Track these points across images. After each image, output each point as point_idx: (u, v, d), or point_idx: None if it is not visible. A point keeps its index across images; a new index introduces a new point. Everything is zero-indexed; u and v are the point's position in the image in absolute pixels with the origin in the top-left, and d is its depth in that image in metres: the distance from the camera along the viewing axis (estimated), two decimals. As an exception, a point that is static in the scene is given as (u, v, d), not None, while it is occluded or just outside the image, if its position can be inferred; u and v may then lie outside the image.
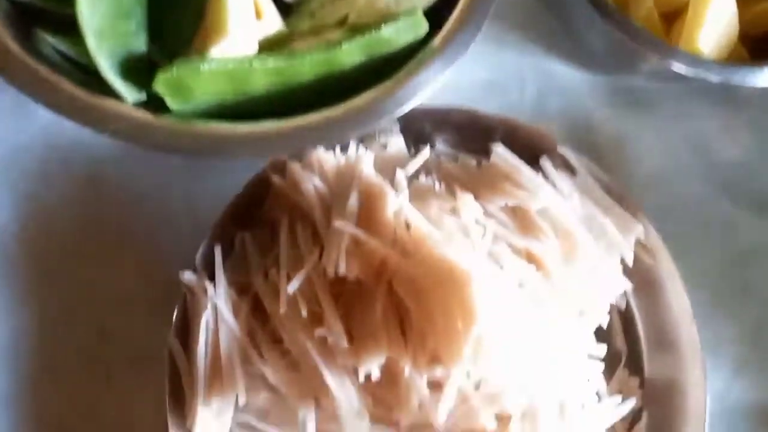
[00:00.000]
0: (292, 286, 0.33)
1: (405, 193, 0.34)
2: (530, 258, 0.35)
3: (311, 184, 0.36)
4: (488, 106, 0.40)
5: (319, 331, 0.32)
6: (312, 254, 0.34)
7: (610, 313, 0.39)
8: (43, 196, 0.41)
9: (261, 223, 0.38)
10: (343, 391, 0.32)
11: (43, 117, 0.41)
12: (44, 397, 0.39)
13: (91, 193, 0.41)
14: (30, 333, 0.39)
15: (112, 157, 0.41)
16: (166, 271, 0.37)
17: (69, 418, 0.38)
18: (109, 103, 0.32)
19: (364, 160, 0.36)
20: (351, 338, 0.33)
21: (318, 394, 0.33)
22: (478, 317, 0.30)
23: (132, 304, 0.39)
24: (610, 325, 0.40)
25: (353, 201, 0.33)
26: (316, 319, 0.33)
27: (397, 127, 0.41)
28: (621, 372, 0.41)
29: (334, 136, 0.33)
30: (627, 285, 0.39)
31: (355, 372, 0.32)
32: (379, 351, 0.32)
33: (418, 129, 0.41)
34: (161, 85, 0.31)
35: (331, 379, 0.32)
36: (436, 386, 0.33)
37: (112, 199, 0.41)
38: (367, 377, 0.32)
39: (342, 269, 0.32)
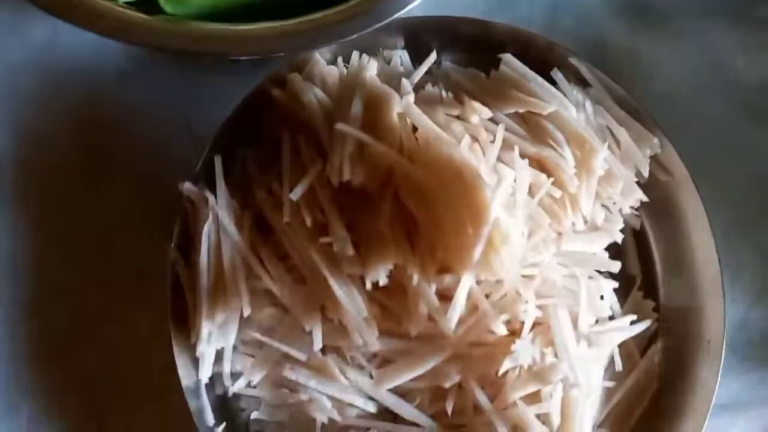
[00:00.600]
0: (295, 194, 0.32)
1: (411, 96, 0.33)
2: (542, 166, 0.34)
3: (312, 94, 0.35)
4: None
5: (324, 240, 0.31)
6: (315, 164, 0.33)
7: (624, 234, 0.38)
8: (39, 119, 0.40)
9: (262, 141, 0.37)
10: (350, 300, 0.31)
11: (36, 38, 0.40)
12: (47, 319, 0.38)
13: (88, 114, 0.40)
14: (31, 256, 0.39)
15: (108, 78, 0.40)
16: (167, 190, 0.35)
17: (73, 339, 0.38)
18: (100, 2, 0.30)
19: (368, 66, 0.34)
20: (357, 248, 0.32)
21: (324, 304, 0.32)
22: (489, 219, 0.29)
23: (133, 224, 0.39)
24: (624, 247, 0.38)
25: (357, 106, 0.32)
26: (321, 229, 0.32)
27: (401, 43, 0.40)
28: (636, 294, 0.39)
29: (333, 36, 0.32)
30: (642, 197, 0.37)
31: (362, 281, 0.31)
32: (386, 258, 0.31)
33: (424, 45, 0.40)
34: (153, -18, 0.30)
35: (337, 287, 0.31)
36: (445, 297, 0.32)
37: (110, 120, 0.40)
38: (375, 286, 0.31)
39: (346, 175, 0.31)
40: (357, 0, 0.33)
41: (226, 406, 0.35)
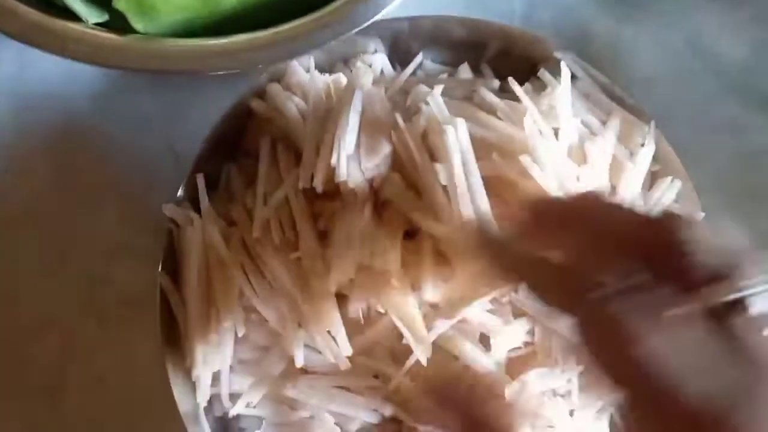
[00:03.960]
0: (261, 210, 0.31)
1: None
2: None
3: (292, 104, 0.34)
4: (476, 20, 0.38)
5: (294, 255, 0.31)
6: (291, 175, 0.32)
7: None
8: (16, 147, 0.39)
9: (246, 154, 0.37)
10: (319, 317, 0.30)
11: (6, 66, 0.39)
12: (41, 346, 0.37)
13: (67, 140, 0.39)
14: (18, 286, 0.38)
15: (85, 101, 0.39)
16: (153, 212, 0.34)
17: (68, 365, 0.37)
18: (69, 25, 0.30)
19: (364, 74, 0.34)
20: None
21: (299, 320, 0.31)
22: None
23: (121, 249, 0.38)
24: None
25: (355, 115, 0.31)
26: (294, 243, 0.32)
27: (381, 47, 0.39)
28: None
29: (310, 44, 0.31)
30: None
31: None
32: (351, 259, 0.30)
33: (404, 48, 0.39)
34: (123, 0, 0.29)
35: (305, 304, 0.30)
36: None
37: (90, 145, 0.39)
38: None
39: (317, 181, 0.31)
40: (332, 7, 0.32)
41: (227, 428, 0.35)
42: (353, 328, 0.32)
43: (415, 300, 0.31)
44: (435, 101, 0.33)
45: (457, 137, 0.31)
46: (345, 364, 0.31)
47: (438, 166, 0.31)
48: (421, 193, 0.32)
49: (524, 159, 0.31)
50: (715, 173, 0.42)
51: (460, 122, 0.31)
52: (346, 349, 0.30)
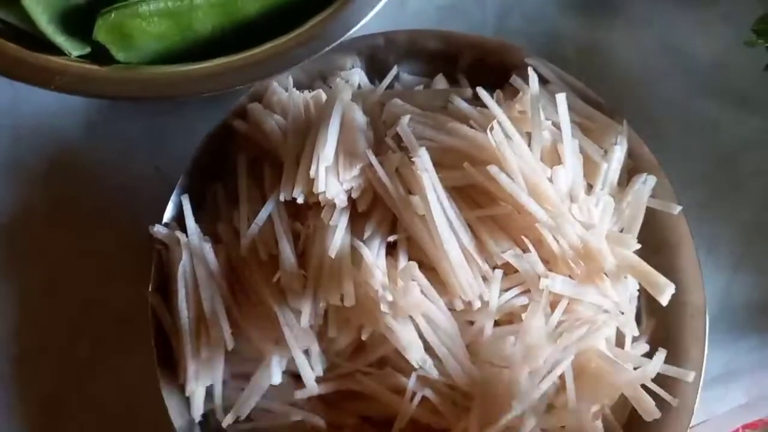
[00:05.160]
0: (247, 229, 0.32)
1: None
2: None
3: (273, 122, 0.35)
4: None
5: (276, 276, 0.32)
6: (274, 193, 0.33)
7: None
8: (10, 178, 0.40)
9: (232, 174, 0.38)
10: (295, 334, 0.31)
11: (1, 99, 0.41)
12: (35, 373, 0.38)
13: (58, 169, 0.40)
14: (13, 312, 0.39)
15: (76, 131, 0.40)
16: (143, 235, 0.36)
17: (62, 391, 0.38)
18: (54, 59, 0.31)
19: (343, 89, 0.35)
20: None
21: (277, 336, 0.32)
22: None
23: (113, 272, 0.39)
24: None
25: (334, 129, 0.32)
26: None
27: (359, 63, 0.40)
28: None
29: (288, 62, 0.32)
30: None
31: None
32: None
33: (381, 62, 0.40)
34: (102, 33, 0.30)
35: (283, 322, 0.31)
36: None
37: (81, 173, 0.40)
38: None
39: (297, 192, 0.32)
40: (308, 25, 0.33)
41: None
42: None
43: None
44: (403, 130, 0.33)
45: (424, 165, 0.32)
46: (313, 388, 0.32)
47: (414, 198, 0.32)
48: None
49: (491, 169, 0.32)
50: (696, 170, 0.43)
51: (422, 152, 0.32)
52: (318, 370, 0.32)
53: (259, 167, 0.36)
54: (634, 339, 0.38)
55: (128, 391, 0.37)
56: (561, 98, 0.35)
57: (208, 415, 0.35)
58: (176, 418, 0.33)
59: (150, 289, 0.33)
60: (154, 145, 0.40)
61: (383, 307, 0.31)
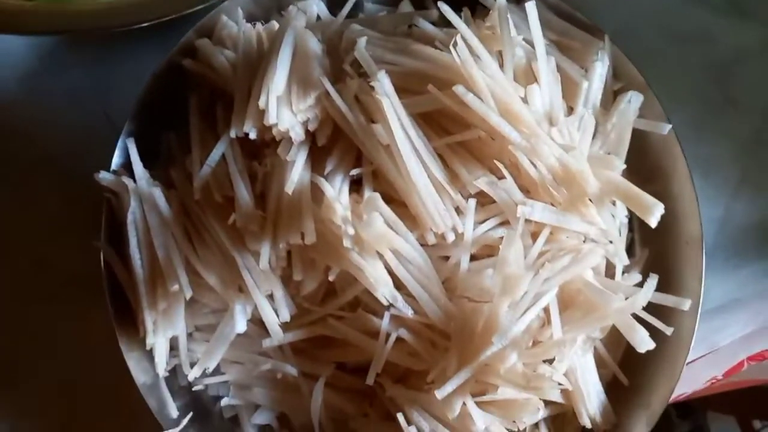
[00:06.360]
0: (199, 171, 0.30)
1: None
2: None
3: (223, 57, 0.33)
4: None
5: (231, 219, 0.30)
6: (226, 131, 0.31)
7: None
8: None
9: (187, 122, 0.35)
10: (257, 278, 0.30)
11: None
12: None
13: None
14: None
15: (18, 82, 0.38)
16: (93, 188, 0.33)
17: (17, 357, 0.36)
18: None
19: (296, 17, 0.32)
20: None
21: (240, 282, 0.30)
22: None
23: (64, 228, 0.37)
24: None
25: (285, 56, 0.30)
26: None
27: (318, -8, 0.37)
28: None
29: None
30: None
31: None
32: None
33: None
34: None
35: (242, 265, 0.30)
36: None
37: (25, 123, 0.38)
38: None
39: (248, 126, 0.29)
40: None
41: (198, 398, 0.34)
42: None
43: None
44: (360, 53, 0.31)
45: (384, 89, 0.29)
46: (278, 334, 0.30)
47: (376, 127, 0.30)
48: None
49: (457, 89, 0.29)
50: (689, 85, 0.40)
51: (381, 75, 0.29)
52: (284, 315, 0.30)
53: (213, 109, 0.34)
54: (626, 270, 0.36)
55: (92, 350, 0.35)
56: (531, 6, 0.32)
57: (176, 371, 0.33)
58: (138, 375, 0.31)
59: (102, 240, 0.31)
60: (100, 93, 0.38)
61: (346, 243, 0.28)
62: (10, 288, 0.37)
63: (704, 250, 0.35)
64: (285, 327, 0.31)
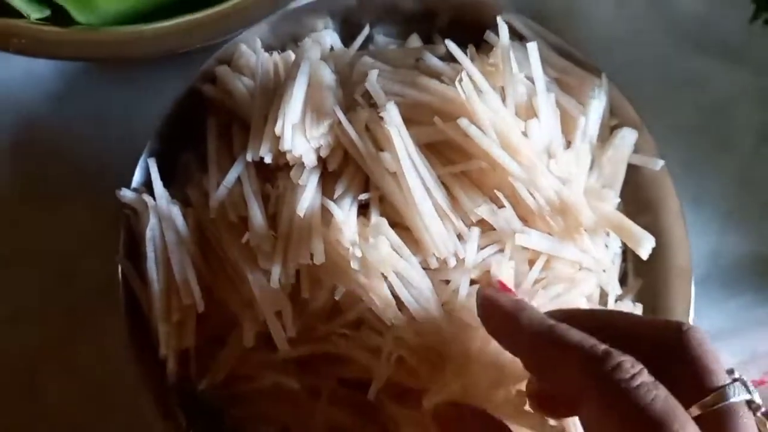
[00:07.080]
0: (215, 190, 0.31)
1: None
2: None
3: (241, 84, 0.34)
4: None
5: (245, 238, 0.31)
6: (242, 154, 0.32)
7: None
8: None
9: (204, 143, 0.37)
10: (266, 297, 0.31)
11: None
12: (14, 345, 0.38)
13: (26, 141, 0.40)
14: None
15: (44, 104, 0.40)
16: (116, 205, 0.35)
17: (43, 362, 0.38)
18: (11, 22, 0.30)
19: (311, 48, 0.34)
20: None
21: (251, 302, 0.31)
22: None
23: (89, 242, 0.39)
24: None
25: (300, 85, 0.32)
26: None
27: (331, 25, 0.39)
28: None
29: (249, 20, 0.32)
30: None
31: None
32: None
33: (356, 25, 0.39)
34: (60, -8, 0.30)
35: (254, 284, 0.31)
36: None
37: (51, 144, 0.40)
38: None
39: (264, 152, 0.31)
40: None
41: (205, 409, 0.35)
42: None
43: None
44: (371, 85, 0.32)
45: (392, 120, 0.31)
46: (286, 349, 0.31)
47: (384, 155, 0.32)
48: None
49: (461, 121, 0.31)
50: (682, 123, 0.42)
51: (390, 106, 0.31)
52: (291, 331, 0.31)
53: (229, 132, 0.36)
54: (619, 298, 0.38)
55: (105, 360, 0.37)
56: (532, 47, 0.34)
57: (185, 382, 0.34)
58: (149, 384, 0.32)
59: (120, 254, 0.33)
60: (125, 116, 0.39)
61: (353, 264, 0.30)
62: (35, 298, 0.38)
63: (693, 282, 0.36)
64: (291, 343, 0.33)
